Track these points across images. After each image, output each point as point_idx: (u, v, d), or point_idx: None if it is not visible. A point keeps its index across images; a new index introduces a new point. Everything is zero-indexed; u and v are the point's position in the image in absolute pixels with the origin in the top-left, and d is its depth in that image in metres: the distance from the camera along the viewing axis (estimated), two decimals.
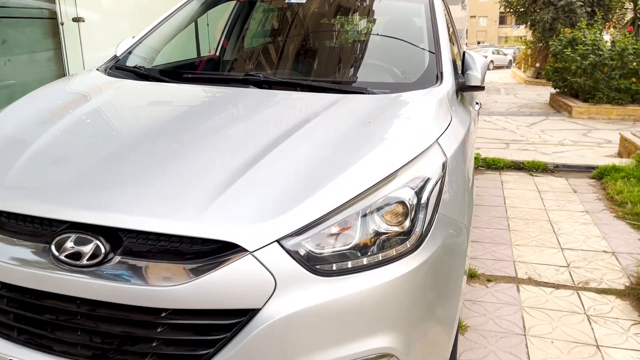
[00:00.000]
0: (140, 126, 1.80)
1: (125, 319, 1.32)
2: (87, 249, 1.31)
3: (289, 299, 1.27)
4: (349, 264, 1.33)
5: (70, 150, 1.63)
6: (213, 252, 1.29)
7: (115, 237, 1.34)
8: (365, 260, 1.35)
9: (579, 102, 10.13)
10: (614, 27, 16.61)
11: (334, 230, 1.35)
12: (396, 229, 1.41)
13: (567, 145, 7.25)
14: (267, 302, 1.27)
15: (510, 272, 3.24)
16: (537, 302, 2.87)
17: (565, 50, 10.59)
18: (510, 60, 30.49)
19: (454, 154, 1.71)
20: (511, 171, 5.77)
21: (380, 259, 1.36)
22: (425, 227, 1.44)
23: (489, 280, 3.13)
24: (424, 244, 1.42)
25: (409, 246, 1.40)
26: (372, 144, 1.61)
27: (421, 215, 1.45)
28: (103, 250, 1.31)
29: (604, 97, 9.87)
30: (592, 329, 2.62)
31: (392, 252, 1.37)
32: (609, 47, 10.05)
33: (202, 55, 4.20)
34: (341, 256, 1.34)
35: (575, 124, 9.18)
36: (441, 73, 2.17)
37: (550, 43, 12.20)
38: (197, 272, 1.28)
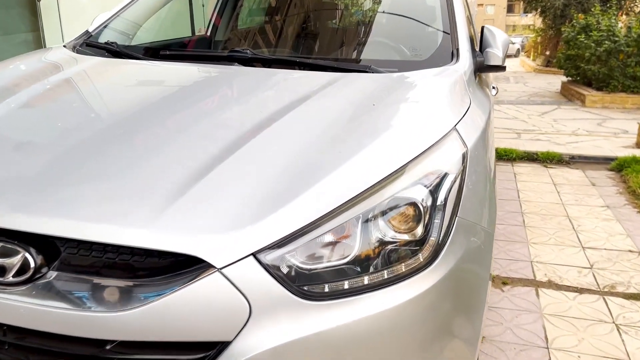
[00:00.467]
0: (98, 111, 1.51)
1: (61, 352, 1.04)
2: (14, 261, 1.04)
3: (268, 331, 0.99)
4: (346, 285, 1.05)
5: (7, 139, 1.34)
6: (171, 269, 1.01)
7: (53, 248, 1.06)
8: (366, 279, 1.06)
9: (592, 91, 9.75)
10: (626, 14, 16.14)
11: (328, 239, 1.07)
12: (406, 237, 1.12)
13: (581, 135, 6.92)
14: (239, 333, 0.99)
15: (528, 274, 2.95)
16: (559, 309, 2.58)
17: (578, 36, 10.20)
18: (519, 49, 29.91)
19: (475, 144, 1.42)
20: (524, 162, 5.46)
21: (386, 277, 1.07)
22: (442, 234, 1.15)
23: (504, 283, 2.84)
24: (440, 256, 1.13)
25: (422, 260, 1.11)
26: (376, 131, 1.33)
27: (437, 220, 1.16)
28: (33, 264, 1.03)
29: (619, 86, 9.48)
30: (623, 340, 2.33)
31: (401, 267, 1.09)
32: (625, 34, 9.65)
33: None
34: (336, 273, 1.06)
35: (589, 113, 8.82)
36: (457, 50, 1.87)
37: (562, 29, 11.79)
38: (151, 294, 1.00)
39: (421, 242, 1.12)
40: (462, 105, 1.55)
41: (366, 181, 1.12)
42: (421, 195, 1.16)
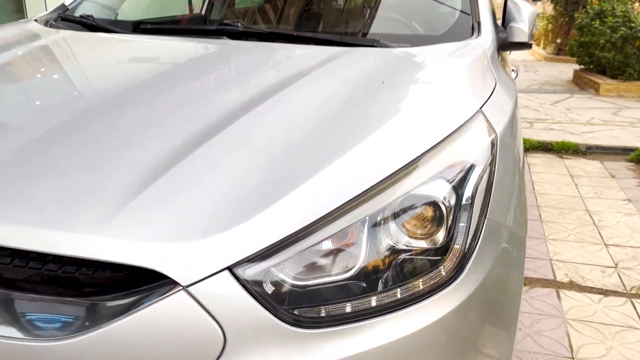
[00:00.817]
0: (52, 91, 1.28)
1: None
2: None
3: None
4: (348, 308, 0.83)
5: None
6: (125, 286, 0.79)
7: None
8: (374, 301, 0.84)
9: (607, 79, 9.46)
10: (639, 2, 15.69)
11: (325, 248, 0.85)
12: (424, 244, 0.90)
13: (597, 125, 6.65)
14: None
15: (548, 274, 2.72)
16: (583, 313, 2.36)
17: (593, 22, 9.87)
18: None
19: (504, 130, 1.19)
20: (538, 153, 5.21)
21: (399, 296, 0.85)
22: (469, 240, 0.93)
23: (523, 284, 2.61)
24: (467, 268, 0.91)
25: (443, 274, 0.88)
26: (386, 114, 1.10)
27: (462, 223, 0.93)
28: None
29: (635, 74, 9.18)
30: None
31: (418, 284, 0.86)
32: None
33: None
34: (336, 291, 0.84)
35: (604, 102, 8.53)
36: (478, 23, 1.63)
37: (576, 16, 11.44)
38: (100, 317, 0.79)
39: (443, 250, 0.90)
40: (487, 84, 1.32)
41: (374, 175, 0.90)
42: (442, 192, 0.93)
